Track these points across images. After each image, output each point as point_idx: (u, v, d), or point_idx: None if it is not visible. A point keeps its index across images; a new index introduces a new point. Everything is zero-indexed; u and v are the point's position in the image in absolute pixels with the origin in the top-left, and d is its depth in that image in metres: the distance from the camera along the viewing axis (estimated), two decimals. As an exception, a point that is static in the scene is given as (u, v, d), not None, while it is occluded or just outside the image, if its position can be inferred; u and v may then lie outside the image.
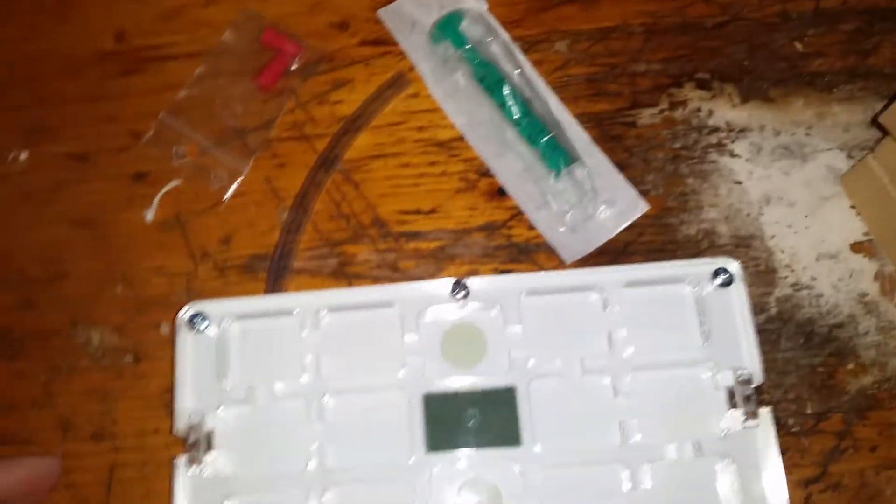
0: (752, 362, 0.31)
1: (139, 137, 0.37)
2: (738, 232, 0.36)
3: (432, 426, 0.30)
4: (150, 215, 0.36)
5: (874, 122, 0.37)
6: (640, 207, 0.36)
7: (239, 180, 0.36)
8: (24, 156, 0.37)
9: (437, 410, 0.30)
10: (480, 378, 0.31)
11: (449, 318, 0.32)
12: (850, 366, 0.34)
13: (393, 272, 0.36)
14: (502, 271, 0.35)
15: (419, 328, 0.31)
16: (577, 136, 0.37)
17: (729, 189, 0.37)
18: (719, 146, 0.37)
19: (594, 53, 0.38)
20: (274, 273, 0.35)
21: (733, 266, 0.32)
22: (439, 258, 0.36)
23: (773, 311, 0.35)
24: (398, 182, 0.37)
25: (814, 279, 0.35)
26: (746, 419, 0.30)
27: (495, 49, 0.37)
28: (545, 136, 0.35)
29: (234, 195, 0.36)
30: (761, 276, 0.35)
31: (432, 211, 0.36)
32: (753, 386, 0.30)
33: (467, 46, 0.36)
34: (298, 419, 0.30)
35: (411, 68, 0.38)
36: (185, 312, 0.31)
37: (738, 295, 0.32)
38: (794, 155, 0.37)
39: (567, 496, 0.30)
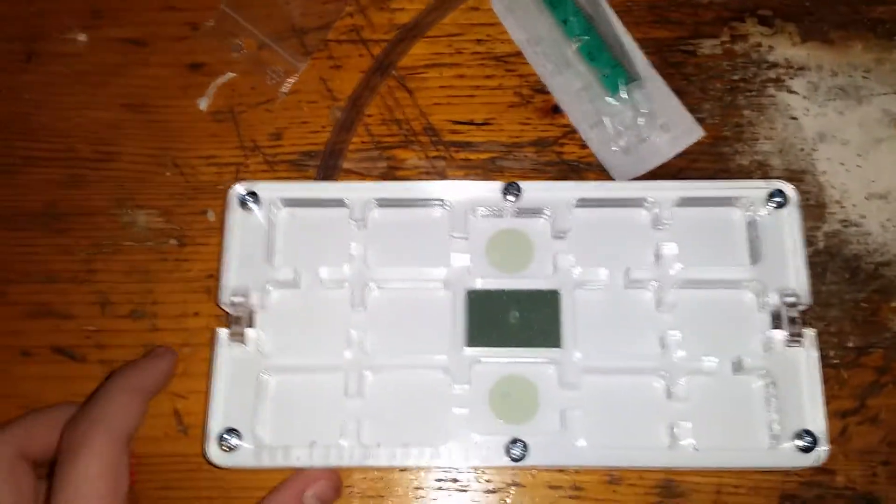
0: (800, 285, 0.30)
1: (198, 28, 0.37)
2: (790, 166, 0.36)
3: (473, 322, 0.30)
4: (203, 104, 0.36)
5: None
6: (696, 133, 0.36)
7: (294, 78, 0.36)
8: (82, 37, 0.37)
9: (480, 307, 0.30)
10: (525, 281, 0.31)
11: (498, 222, 0.32)
12: (894, 304, 0.34)
13: (441, 180, 0.35)
14: (551, 188, 0.35)
15: (467, 229, 0.31)
16: (637, 59, 0.37)
17: (784, 124, 0.36)
18: (777, 81, 0.37)
19: (658, -20, 0.38)
20: (323, 170, 0.35)
21: (789, 189, 0.31)
22: (488, 169, 0.36)
23: (821, 245, 0.35)
24: (453, 92, 0.37)
25: (863, 217, 0.35)
26: (790, 340, 0.29)
27: (560, -33, 0.37)
28: (606, 55, 0.35)
29: (289, 92, 0.36)
30: (811, 210, 0.35)
31: (485, 123, 0.36)
32: (800, 308, 0.30)
33: (533, -39, 0.36)
34: (342, 306, 0.30)
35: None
36: (238, 189, 0.31)
37: (791, 218, 0.31)
38: (850, 96, 0.37)
39: (602, 401, 0.30)
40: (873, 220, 0.35)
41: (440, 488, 0.32)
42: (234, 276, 0.30)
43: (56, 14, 0.37)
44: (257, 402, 0.29)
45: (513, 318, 0.30)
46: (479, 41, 0.37)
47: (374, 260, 0.31)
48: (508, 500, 0.32)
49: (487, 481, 0.32)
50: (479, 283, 0.31)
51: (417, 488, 0.32)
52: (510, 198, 0.31)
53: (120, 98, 0.36)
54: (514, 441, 0.28)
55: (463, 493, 0.32)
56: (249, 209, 0.31)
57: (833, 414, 0.33)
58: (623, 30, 0.37)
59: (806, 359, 0.30)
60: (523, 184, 0.32)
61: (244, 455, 0.28)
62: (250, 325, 0.30)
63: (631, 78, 0.35)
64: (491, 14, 0.38)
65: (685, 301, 0.31)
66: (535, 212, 0.32)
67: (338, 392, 0.29)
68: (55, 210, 0.35)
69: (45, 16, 0.37)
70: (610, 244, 0.31)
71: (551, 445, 0.28)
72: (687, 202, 0.32)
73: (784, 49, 0.38)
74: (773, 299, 0.30)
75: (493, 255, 0.31)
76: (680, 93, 0.37)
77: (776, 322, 0.30)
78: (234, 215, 0.31)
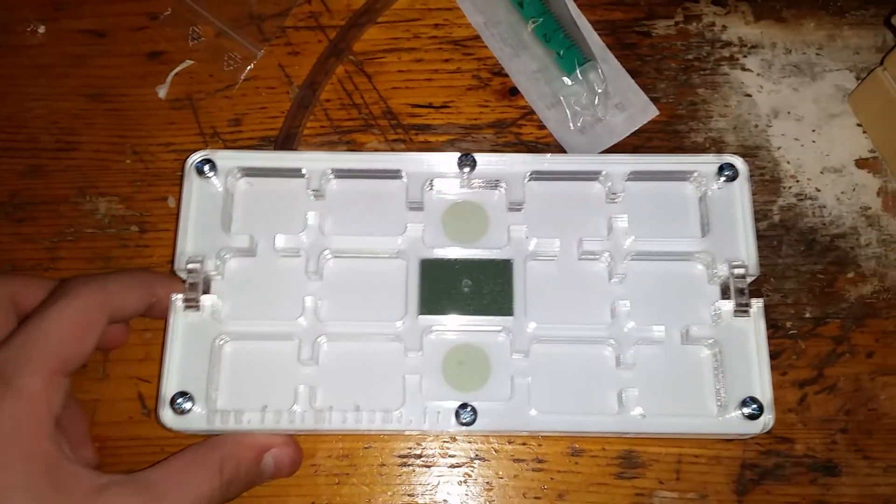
0: (748, 256, 0.31)
1: (156, 17, 0.37)
2: (745, 142, 0.36)
3: (427, 290, 0.30)
4: (162, 92, 0.36)
5: (887, 23, 0.37)
6: (651, 112, 0.36)
7: (252, 64, 0.37)
8: (42, 29, 0.37)
9: (433, 275, 0.30)
10: (479, 251, 0.31)
11: (454, 194, 0.32)
12: (850, 275, 0.34)
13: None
14: (510, 168, 0.35)
15: (423, 200, 0.31)
16: (593, 41, 0.37)
17: (738, 101, 0.37)
18: (731, 60, 0.37)
19: (612, -37, 0.39)
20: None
21: (739, 162, 0.32)
22: (448, 152, 0.36)
23: (776, 218, 0.35)
24: (411, 76, 0.37)
25: (818, 191, 0.36)
26: (738, 310, 0.30)
27: (515, -48, 0.37)
28: (560, 35, 0.36)
29: (247, 79, 0.37)
30: (766, 185, 0.36)
31: (444, 106, 0.37)
32: (749, 279, 0.30)
33: (487, -54, 0.37)
34: (297, 274, 0.30)
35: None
36: (196, 157, 0.31)
37: (741, 191, 0.32)
38: (803, 73, 0.38)
39: (552, 369, 0.30)
40: (828, 193, 0.36)
41: (405, 464, 0.32)
42: (190, 243, 0.30)
43: (16, 7, 0.37)
44: (212, 367, 0.29)
45: (466, 286, 0.30)
46: (436, 26, 0.38)
47: (331, 229, 0.31)
48: (472, 474, 0.32)
49: (451, 456, 0.32)
50: (434, 253, 0.31)
51: (382, 465, 0.32)
52: (465, 169, 0.31)
53: (80, 88, 0.36)
54: (464, 406, 0.28)
55: (427, 468, 0.32)
56: (207, 177, 0.31)
57: (791, 383, 0.33)
58: (577, 12, 0.38)
59: (753, 328, 0.30)
60: (478, 156, 0.32)
61: (196, 419, 0.28)
62: (206, 292, 0.30)
63: (586, 58, 0.36)
64: (448, -1, 0.38)
65: (637, 272, 0.31)
66: (490, 184, 0.32)
67: (292, 359, 0.29)
68: (17, 200, 0.35)
69: (5, 9, 0.38)
70: (564, 216, 0.32)
71: (501, 412, 0.28)
72: (640, 176, 0.32)
73: (737, 28, 0.38)
74: (723, 270, 0.31)
75: (449, 225, 0.32)
76: (635, 73, 0.37)
77: (725, 293, 0.31)
78: (191, 183, 0.31)
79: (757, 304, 0.30)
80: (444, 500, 0.31)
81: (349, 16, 0.37)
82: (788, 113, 0.37)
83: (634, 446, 0.32)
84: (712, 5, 0.38)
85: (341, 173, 0.31)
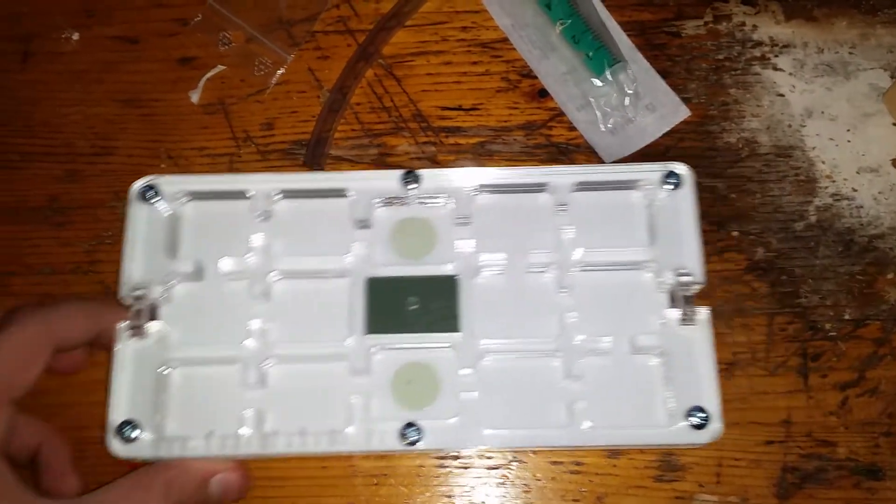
0: (694, 265, 0.30)
1: (187, 23, 0.38)
2: (778, 142, 0.36)
3: (373, 309, 0.30)
4: (195, 97, 0.36)
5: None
6: (682, 113, 0.36)
7: (282, 69, 0.37)
8: (75, 36, 0.37)
9: (380, 294, 0.30)
10: (427, 268, 0.31)
11: (401, 210, 0.32)
12: (890, 275, 0.34)
13: (432, 164, 0.36)
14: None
15: (371, 218, 0.31)
16: (622, 41, 0.37)
17: (771, 101, 0.37)
18: (763, 59, 0.37)
19: (640, -36, 0.39)
20: (310, 157, 0.35)
21: (682, 169, 0.31)
22: (478, 154, 0.36)
23: (813, 219, 0.35)
24: (440, 79, 0.37)
25: (854, 191, 0.35)
26: (684, 319, 0.29)
27: (543, -46, 0.38)
28: (589, 37, 0.36)
29: (278, 83, 0.37)
30: (802, 185, 0.35)
31: (473, 108, 0.37)
32: (695, 287, 0.30)
33: (516, -51, 0.37)
34: (243, 298, 0.30)
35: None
36: (139, 184, 0.31)
37: (686, 199, 0.31)
38: (836, 72, 0.37)
39: (502, 384, 0.29)
40: (865, 193, 0.35)
41: (442, 465, 0.32)
42: (136, 270, 0.30)
43: (50, 14, 0.38)
44: (159, 394, 0.29)
45: (412, 304, 0.30)
46: (464, 28, 0.38)
47: (279, 250, 0.31)
48: (510, 475, 0.31)
49: (488, 458, 0.32)
50: (381, 271, 0.31)
51: (420, 466, 0.32)
52: (411, 186, 0.31)
53: (114, 94, 0.37)
54: (409, 425, 0.28)
55: (464, 469, 0.32)
56: (151, 203, 0.31)
57: (832, 386, 0.32)
58: (606, 13, 0.38)
59: (699, 337, 0.29)
60: (422, 171, 0.31)
61: (144, 446, 0.28)
62: (153, 318, 0.30)
63: (615, 59, 0.36)
64: (475, 2, 0.38)
65: (585, 283, 0.31)
66: (437, 198, 0.32)
67: (240, 383, 0.29)
68: (56, 204, 0.35)
69: (39, 16, 0.38)
70: (512, 229, 0.31)
71: (449, 429, 0.28)
72: (587, 186, 0.31)
73: (768, 28, 0.38)
74: (669, 278, 0.30)
75: (397, 242, 0.31)
76: (665, 73, 0.37)
77: (673, 302, 0.30)
78: (136, 210, 0.30)
79: (703, 313, 0.29)
80: (483, 503, 0.31)
81: (377, 19, 0.38)
82: (822, 112, 0.36)
83: (674, 451, 0.31)
84: (742, 5, 0.38)
85: (289, 193, 0.31)
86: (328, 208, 0.31)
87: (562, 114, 0.36)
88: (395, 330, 0.30)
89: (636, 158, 0.35)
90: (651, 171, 0.31)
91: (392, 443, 0.28)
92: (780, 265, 0.34)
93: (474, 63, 0.37)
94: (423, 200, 0.31)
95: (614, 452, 0.31)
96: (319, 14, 0.38)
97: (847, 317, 0.33)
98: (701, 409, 0.28)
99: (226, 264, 0.30)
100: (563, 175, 0.31)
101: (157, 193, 0.31)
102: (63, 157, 0.36)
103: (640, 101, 0.36)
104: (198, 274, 0.30)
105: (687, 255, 0.30)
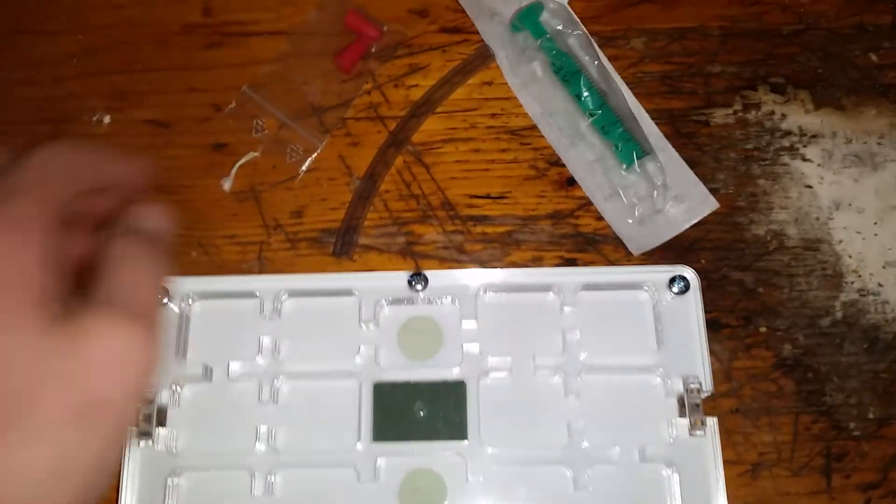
0: (702, 371, 0.30)
1: (220, 109, 0.38)
2: (806, 235, 0.36)
3: (380, 416, 0.30)
4: (227, 185, 0.37)
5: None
6: (710, 204, 0.36)
7: (314, 156, 0.37)
8: (107, 119, 0.38)
9: (387, 400, 0.30)
10: (433, 370, 0.31)
11: (407, 311, 0.32)
12: (915, 375, 0.34)
13: (459, 254, 0.36)
14: (568, 260, 0.36)
15: (377, 318, 0.32)
16: (650, 130, 0.37)
17: (799, 192, 0.37)
18: (791, 150, 0.37)
19: (670, 52, 0.39)
20: (340, 246, 0.36)
21: (689, 274, 0.31)
22: (506, 243, 0.36)
23: (839, 314, 0.35)
24: (468, 166, 0.37)
25: (880, 286, 0.35)
26: (693, 428, 0.30)
27: (573, 42, 0.38)
28: (619, 128, 0.36)
29: (309, 170, 0.37)
30: (828, 279, 0.36)
31: (501, 196, 0.37)
32: (704, 395, 0.30)
33: (546, 37, 0.37)
34: (252, 400, 0.31)
35: (487, 56, 0.39)
36: None
37: (694, 303, 0.31)
38: (864, 163, 0.37)
39: (510, 493, 0.30)
40: (891, 288, 0.35)
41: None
42: None
43: (82, 97, 0.38)
44: (166, 499, 0.29)
45: (419, 410, 0.30)
46: (493, 115, 0.38)
47: (286, 351, 0.31)
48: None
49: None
50: (388, 374, 0.31)
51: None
52: (417, 287, 0.32)
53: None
54: None
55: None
56: (162, 304, 0.31)
57: (855, 487, 0.33)
58: (634, 100, 0.38)
59: (708, 448, 0.30)
60: (430, 273, 0.32)
61: None
62: (161, 424, 0.30)
63: (644, 151, 0.36)
64: (504, 88, 0.38)
65: (592, 386, 0.31)
66: (443, 299, 0.32)
67: (248, 489, 0.29)
68: (85, 290, 0.36)
69: (71, 98, 0.38)
70: (518, 329, 0.32)
71: None
72: (592, 287, 0.32)
73: (797, 116, 0.38)
74: (678, 385, 0.30)
75: (404, 342, 0.32)
76: (693, 163, 0.37)
77: (683, 409, 0.30)
78: None
79: (711, 423, 0.29)
80: None
81: (408, 106, 0.38)
82: (850, 204, 0.37)
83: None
84: (771, 93, 0.38)
85: (296, 293, 0.32)
86: (334, 308, 0.32)
87: (589, 203, 0.37)
88: (403, 437, 0.30)
89: (660, 250, 0.36)
90: (657, 273, 0.31)
91: None
92: (806, 362, 0.34)
93: (503, 150, 0.38)
94: (430, 300, 0.32)
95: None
96: (351, 101, 0.38)
97: (871, 416, 0.34)
98: None
99: (234, 367, 0.31)
100: (569, 276, 0.32)
101: (165, 294, 0.31)
102: (96, 244, 0.37)
103: (669, 191, 0.36)
104: (206, 375, 0.31)
105: (695, 361, 0.30)
